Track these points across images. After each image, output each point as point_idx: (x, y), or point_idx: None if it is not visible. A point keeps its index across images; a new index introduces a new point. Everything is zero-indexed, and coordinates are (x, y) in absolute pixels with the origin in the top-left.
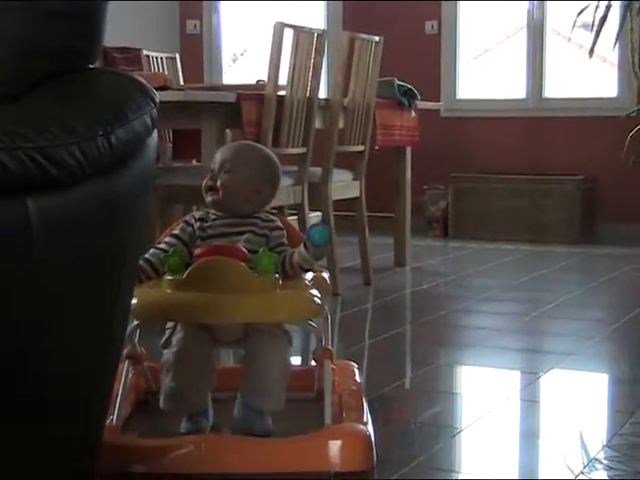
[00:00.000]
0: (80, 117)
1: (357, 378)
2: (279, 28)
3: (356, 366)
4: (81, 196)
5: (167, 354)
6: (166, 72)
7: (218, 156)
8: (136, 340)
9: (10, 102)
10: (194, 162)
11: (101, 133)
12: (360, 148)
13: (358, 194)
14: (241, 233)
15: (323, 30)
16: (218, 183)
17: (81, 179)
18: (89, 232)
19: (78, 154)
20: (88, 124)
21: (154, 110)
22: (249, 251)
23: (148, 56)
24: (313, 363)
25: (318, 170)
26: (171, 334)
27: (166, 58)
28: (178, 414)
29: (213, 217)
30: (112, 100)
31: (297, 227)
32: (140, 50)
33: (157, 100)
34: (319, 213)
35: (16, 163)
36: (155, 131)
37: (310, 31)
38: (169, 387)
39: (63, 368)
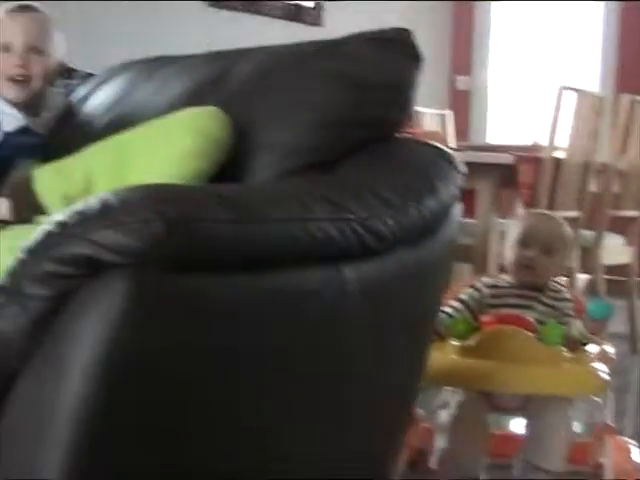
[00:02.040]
0: (393, 188)
1: (635, 458)
2: (561, 91)
3: (635, 445)
4: (392, 264)
5: (443, 415)
6: (437, 129)
7: (531, 232)
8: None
9: (324, 169)
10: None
11: (413, 204)
12: (635, 213)
13: (629, 260)
14: (529, 306)
15: (604, 94)
16: (536, 263)
17: (393, 248)
18: (398, 298)
19: (392, 224)
20: (401, 195)
21: (459, 179)
22: (536, 321)
23: (419, 112)
24: (590, 436)
25: (590, 234)
26: (448, 396)
27: (436, 114)
28: (450, 477)
29: (504, 285)
30: (421, 170)
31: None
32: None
33: (463, 170)
34: (588, 276)
35: (338, 233)
36: (459, 199)
37: (592, 95)
38: (444, 449)
39: (365, 419)
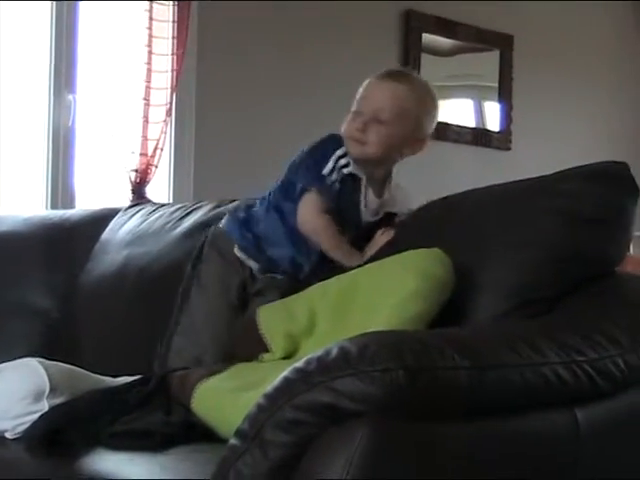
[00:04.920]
0: (621, 327)
1: None
2: None
3: None
4: (621, 406)
5: None
6: (633, 252)
7: None
8: None
9: (545, 308)
10: None
11: None
12: None
13: None
14: None
15: None
16: None
17: (622, 389)
18: (626, 440)
19: (622, 365)
20: (630, 334)
21: None
22: None
23: None
24: None
25: None
26: None
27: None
28: None
29: None
30: None
31: None
32: None
33: None
34: None
35: (570, 376)
36: None
37: None
38: None
39: None
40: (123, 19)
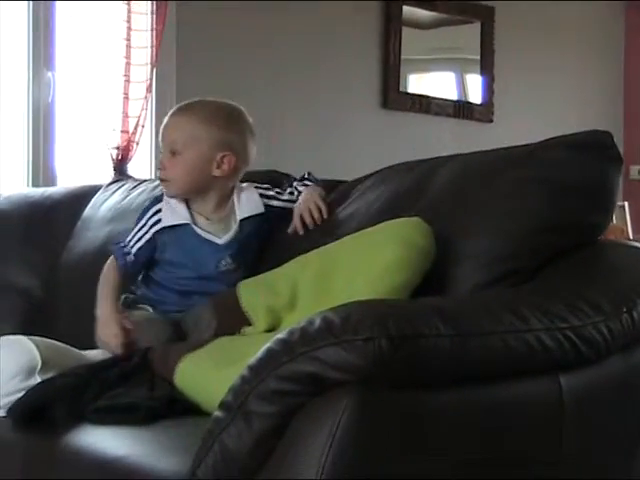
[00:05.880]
0: (604, 294)
1: None
2: None
3: None
4: (604, 372)
5: None
6: (616, 222)
7: None
8: None
9: (528, 276)
10: None
11: (625, 310)
12: None
13: None
14: None
15: None
16: None
17: (605, 356)
18: (609, 407)
19: (605, 332)
20: (612, 301)
21: None
22: None
23: None
24: None
25: None
26: None
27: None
28: None
29: None
30: (630, 274)
31: None
32: None
33: None
34: None
35: (554, 342)
36: None
37: None
38: None
39: None
40: None
